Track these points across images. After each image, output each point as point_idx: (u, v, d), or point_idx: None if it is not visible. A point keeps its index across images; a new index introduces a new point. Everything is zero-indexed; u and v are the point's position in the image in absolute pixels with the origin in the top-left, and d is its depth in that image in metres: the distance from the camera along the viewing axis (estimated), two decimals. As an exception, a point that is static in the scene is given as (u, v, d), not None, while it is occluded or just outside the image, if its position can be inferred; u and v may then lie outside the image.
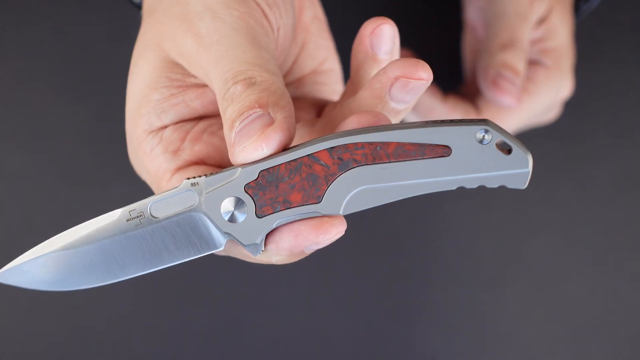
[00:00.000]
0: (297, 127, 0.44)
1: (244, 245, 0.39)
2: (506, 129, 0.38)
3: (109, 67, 0.72)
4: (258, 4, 0.42)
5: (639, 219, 0.75)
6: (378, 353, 0.74)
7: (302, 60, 0.50)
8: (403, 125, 0.37)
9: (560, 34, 0.65)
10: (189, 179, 0.39)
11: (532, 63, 0.66)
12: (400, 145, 0.37)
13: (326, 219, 0.38)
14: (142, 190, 0.71)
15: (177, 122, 0.44)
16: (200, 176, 0.39)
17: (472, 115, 0.65)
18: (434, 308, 0.74)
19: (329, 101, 0.49)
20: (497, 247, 0.75)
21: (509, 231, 0.75)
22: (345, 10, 0.70)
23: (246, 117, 0.38)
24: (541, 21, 0.65)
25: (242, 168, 0.38)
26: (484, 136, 0.36)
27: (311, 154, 0.37)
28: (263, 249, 0.39)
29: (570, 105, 0.71)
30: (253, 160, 0.38)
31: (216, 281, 0.73)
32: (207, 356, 0.72)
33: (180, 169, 0.43)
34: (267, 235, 0.39)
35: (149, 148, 0.43)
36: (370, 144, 0.37)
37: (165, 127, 0.44)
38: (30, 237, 0.71)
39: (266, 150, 0.38)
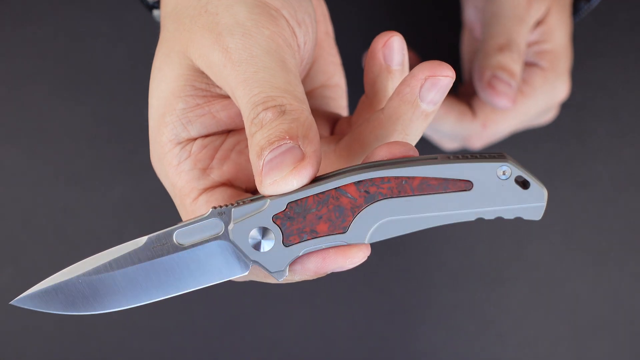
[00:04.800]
0: None
1: (271, 272, 0.40)
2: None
3: (109, 67, 0.72)
4: (288, 23, 0.42)
5: (639, 219, 0.75)
6: (378, 353, 0.74)
7: (313, 73, 0.50)
8: (428, 161, 0.38)
9: (558, 36, 0.65)
10: (215, 207, 0.40)
11: (529, 65, 0.65)
12: (425, 179, 0.38)
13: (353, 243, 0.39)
14: (142, 191, 0.72)
15: (205, 136, 0.44)
16: (227, 205, 0.40)
17: (468, 115, 0.66)
18: (434, 308, 0.74)
19: (339, 115, 0.50)
20: (497, 247, 0.75)
21: (509, 231, 0.75)
22: (345, 11, 0.70)
23: (276, 148, 0.38)
24: (538, 23, 0.65)
25: (270, 199, 0.39)
26: (504, 172, 0.38)
27: (339, 187, 0.39)
28: (287, 274, 0.40)
29: (570, 105, 0.71)
30: (281, 193, 0.39)
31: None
32: (207, 356, 0.72)
33: (207, 189, 0.43)
34: None
35: (176, 161, 0.43)
36: (397, 178, 0.38)
37: (193, 139, 0.44)
38: (30, 237, 0.71)
39: (296, 185, 0.39)
